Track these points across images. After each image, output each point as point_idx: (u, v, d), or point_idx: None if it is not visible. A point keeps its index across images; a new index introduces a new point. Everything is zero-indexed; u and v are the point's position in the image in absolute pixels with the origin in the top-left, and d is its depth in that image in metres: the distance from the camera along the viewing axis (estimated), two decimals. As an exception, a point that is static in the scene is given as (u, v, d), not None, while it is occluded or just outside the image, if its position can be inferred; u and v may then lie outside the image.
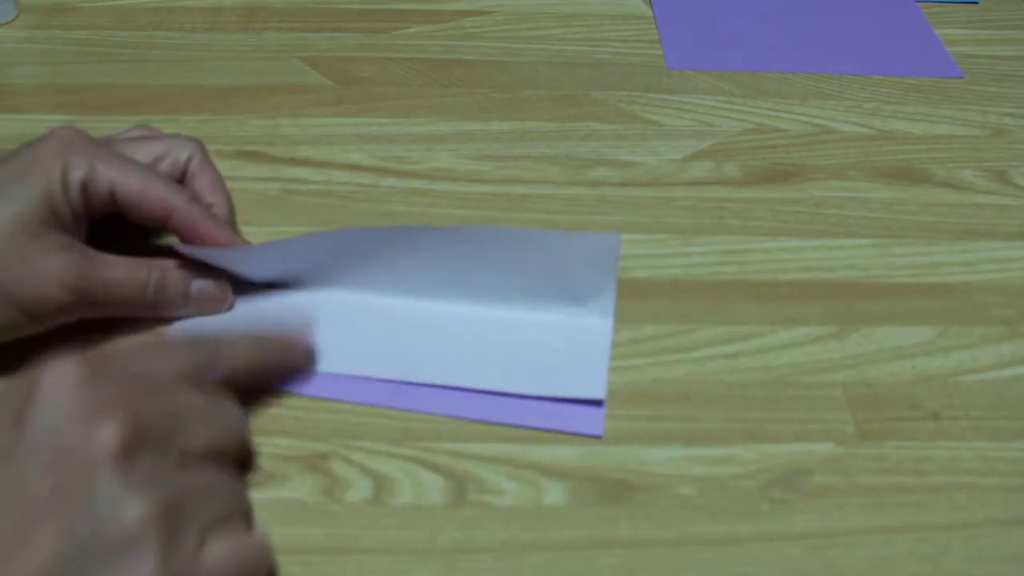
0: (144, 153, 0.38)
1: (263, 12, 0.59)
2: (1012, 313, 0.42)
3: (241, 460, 0.33)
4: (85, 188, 0.35)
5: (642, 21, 0.61)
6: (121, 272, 0.36)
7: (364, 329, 0.39)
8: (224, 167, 0.46)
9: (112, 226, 0.38)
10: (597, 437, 0.36)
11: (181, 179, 0.40)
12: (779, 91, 0.55)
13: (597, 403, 0.37)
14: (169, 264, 0.37)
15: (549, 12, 0.61)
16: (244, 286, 0.40)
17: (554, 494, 0.34)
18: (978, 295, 0.42)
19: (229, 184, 0.41)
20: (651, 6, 0.62)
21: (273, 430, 0.36)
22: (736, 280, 0.42)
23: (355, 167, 0.47)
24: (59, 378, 0.27)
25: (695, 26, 0.60)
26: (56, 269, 0.34)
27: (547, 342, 0.38)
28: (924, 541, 0.33)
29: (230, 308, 0.39)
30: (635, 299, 0.41)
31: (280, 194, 0.46)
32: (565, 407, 0.36)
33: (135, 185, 0.36)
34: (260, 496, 0.33)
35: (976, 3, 0.64)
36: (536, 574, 0.32)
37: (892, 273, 0.43)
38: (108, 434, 0.26)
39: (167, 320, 0.38)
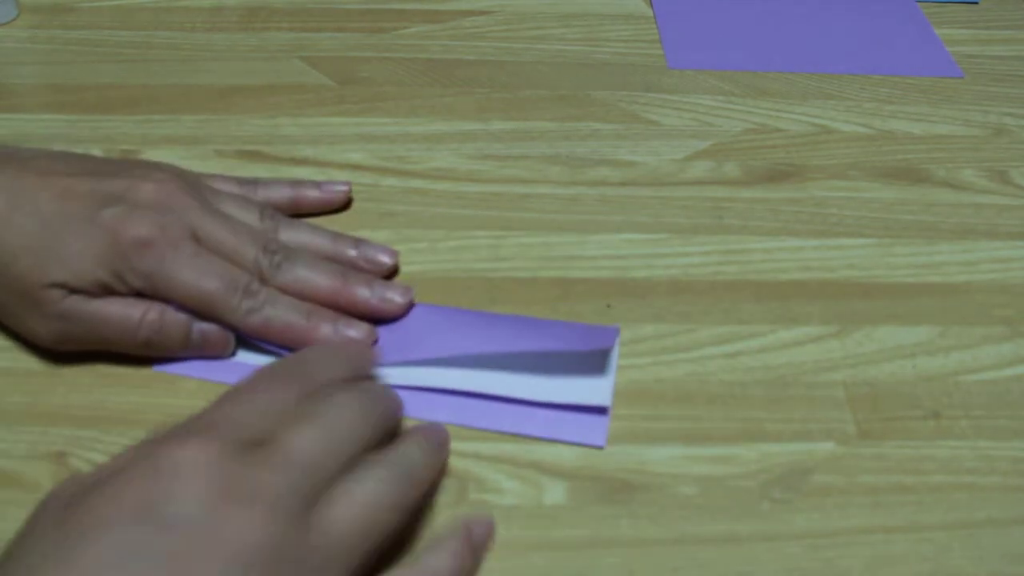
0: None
1: (263, 12, 0.59)
2: (1013, 313, 0.42)
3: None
4: (139, 292, 0.35)
5: (642, 21, 0.61)
6: (113, 312, 0.35)
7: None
8: (224, 167, 0.46)
9: None
10: (599, 448, 0.35)
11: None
12: (779, 91, 0.55)
13: (602, 412, 0.36)
14: (168, 307, 0.36)
15: (549, 12, 0.61)
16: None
17: (555, 493, 0.34)
18: (979, 295, 0.42)
19: (229, 184, 0.41)
20: (651, 6, 0.62)
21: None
22: (736, 280, 0.42)
23: (356, 167, 0.47)
24: (187, 464, 0.25)
25: (695, 26, 0.60)
26: (44, 320, 0.35)
27: (552, 350, 0.38)
28: (924, 540, 0.33)
29: (232, 354, 0.37)
30: (635, 299, 0.41)
31: (280, 194, 0.46)
32: (569, 416, 0.36)
33: (195, 302, 0.35)
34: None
35: (976, 3, 0.64)
36: (537, 573, 0.32)
37: (892, 273, 0.43)
38: (249, 526, 0.24)
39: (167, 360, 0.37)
